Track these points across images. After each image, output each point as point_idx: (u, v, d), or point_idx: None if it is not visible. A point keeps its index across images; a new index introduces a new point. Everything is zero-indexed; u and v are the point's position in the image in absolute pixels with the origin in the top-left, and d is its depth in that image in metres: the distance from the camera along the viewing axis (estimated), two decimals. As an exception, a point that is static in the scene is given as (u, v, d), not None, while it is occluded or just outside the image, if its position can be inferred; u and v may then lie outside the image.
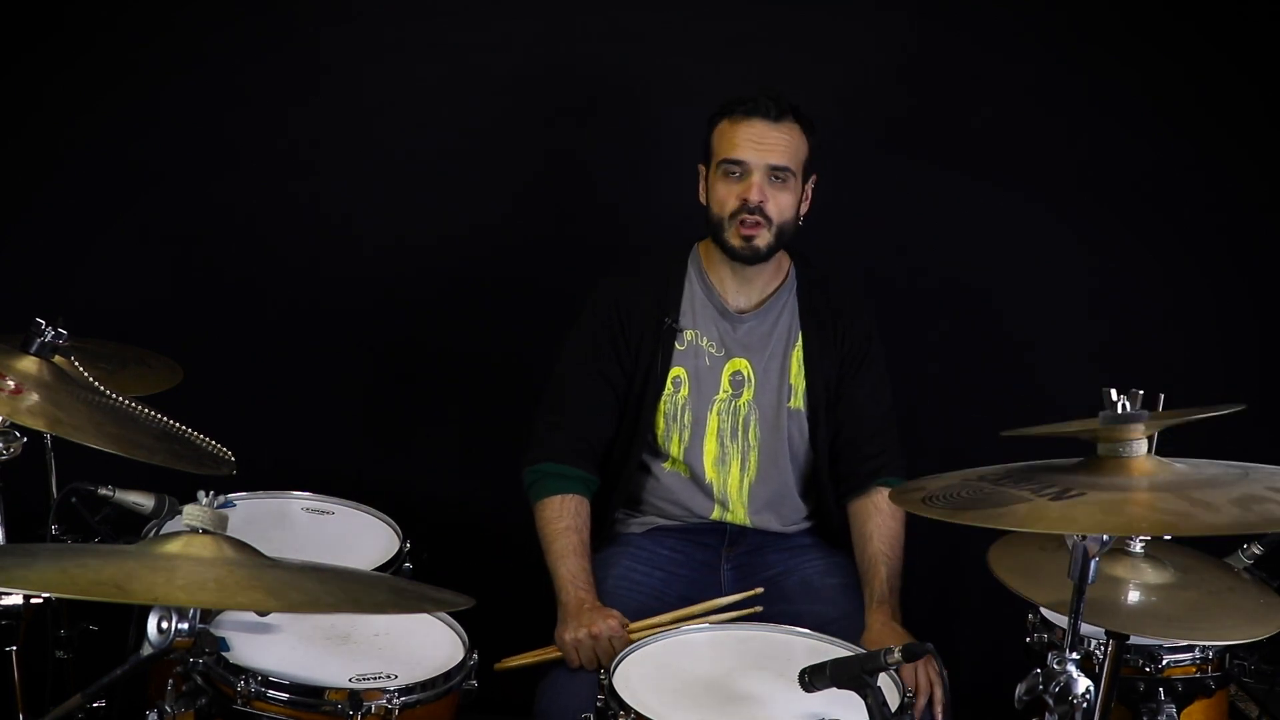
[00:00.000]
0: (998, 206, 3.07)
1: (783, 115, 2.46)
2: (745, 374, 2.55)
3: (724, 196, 2.47)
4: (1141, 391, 1.71)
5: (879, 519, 2.51)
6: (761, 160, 2.44)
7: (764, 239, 2.46)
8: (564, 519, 2.48)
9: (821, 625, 2.25)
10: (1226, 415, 1.83)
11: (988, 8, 3.03)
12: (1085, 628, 1.76)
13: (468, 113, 3.11)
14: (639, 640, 2.19)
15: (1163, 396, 1.76)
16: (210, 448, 1.98)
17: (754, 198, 2.44)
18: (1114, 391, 1.70)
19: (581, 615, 2.33)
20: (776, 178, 2.45)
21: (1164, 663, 2.12)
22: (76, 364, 1.97)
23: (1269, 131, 2.99)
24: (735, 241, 2.47)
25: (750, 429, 2.55)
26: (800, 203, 2.52)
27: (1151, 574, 1.93)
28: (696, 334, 2.56)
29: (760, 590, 2.40)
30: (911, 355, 3.06)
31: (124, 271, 3.13)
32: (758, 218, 2.44)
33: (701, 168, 2.54)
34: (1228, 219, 3.04)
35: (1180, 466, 1.69)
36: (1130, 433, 1.69)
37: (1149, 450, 1.70)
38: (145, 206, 3.13)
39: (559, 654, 2.33)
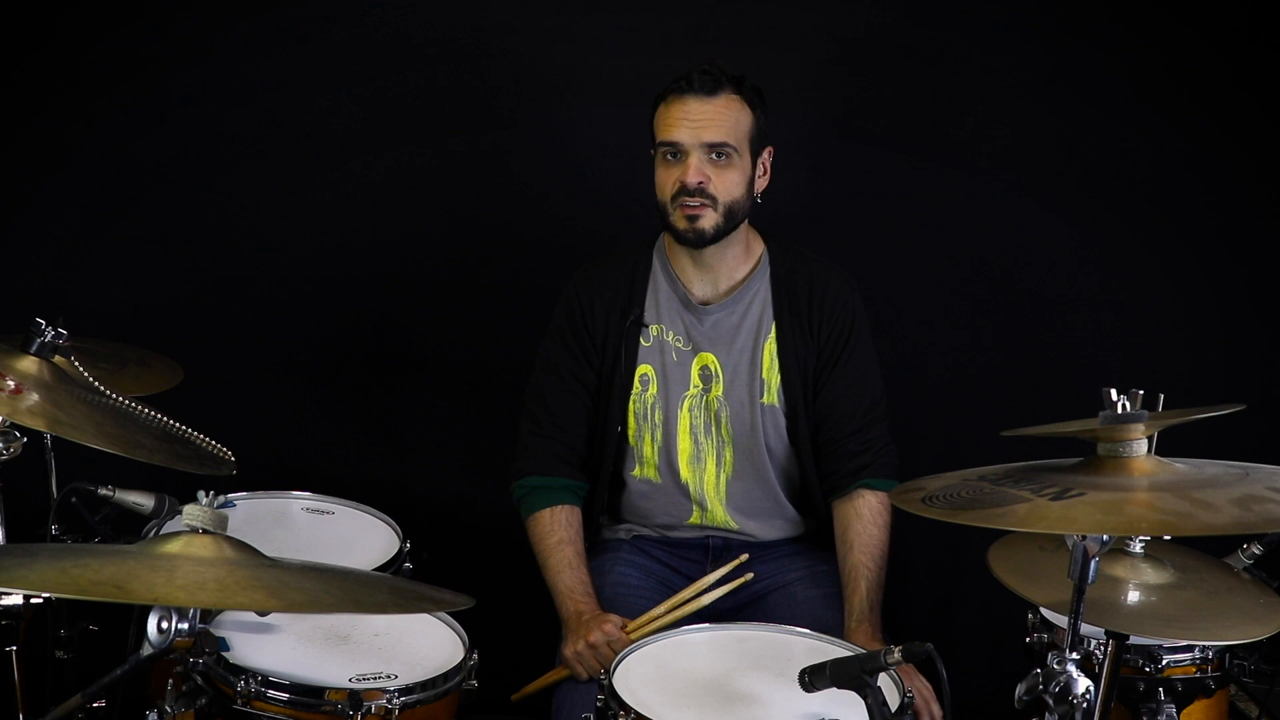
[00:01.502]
0: (998, 206, 3.07)
1: (718, 89, 2.31)
2: (713, 368, 2.43)
3: (664, 181, 2.34)
4: (1141, 391, 1.71)
5: (859, 526, 2.38)
6: (696, 139, 2.30)
7: (709, 220, 2.32)
8: (556, 533, 2.43)
9: None
10: (1226, 415, 1.83)
11: (988, 7, 3.03)
12: (1085, 628, 1.75)
13: (467, 113, 3.11)
14: (640, 639, 2.18)
15: (1163, 396, 1.76)
16: (210, 448, 1.98)
17: (691, 179, 2.30)
18: (1114, 391, 1.70)
19: (579, 627, 2.31)
20: (717, 155, 2.31)
21: (1164, 663, 2.11)
22: (76, 364, 1.97)
23: (1268, 131, 2.98)
24: (680, 225, 2.33)
25: (723, 424, 2.44)
26: (753, 179, 2.37)
27: (1151, 574, 1.93)
28: (662, 329, 2.45)
29: (746, 557, 2.36)
30: (911, 355, 3.06)
31: (124, 271, 3.13)
32: (699, 199, 2.31)
33: (652, 154, 2.40)
34: (1228, 219, 3.04)
35: (1180, 466, 1.68)
36: (1130, 433, 1.69)
37: (1149, 450, 1.70)
38: (145, 206, 3.13)
39: (567, 672, 2.32)
